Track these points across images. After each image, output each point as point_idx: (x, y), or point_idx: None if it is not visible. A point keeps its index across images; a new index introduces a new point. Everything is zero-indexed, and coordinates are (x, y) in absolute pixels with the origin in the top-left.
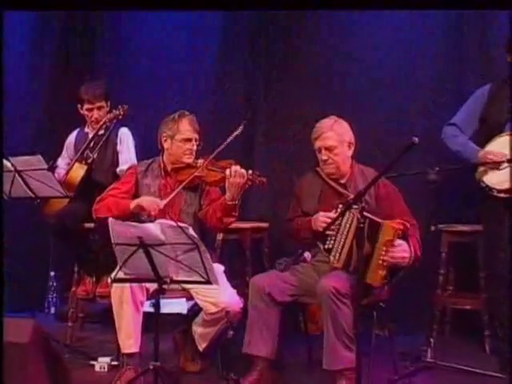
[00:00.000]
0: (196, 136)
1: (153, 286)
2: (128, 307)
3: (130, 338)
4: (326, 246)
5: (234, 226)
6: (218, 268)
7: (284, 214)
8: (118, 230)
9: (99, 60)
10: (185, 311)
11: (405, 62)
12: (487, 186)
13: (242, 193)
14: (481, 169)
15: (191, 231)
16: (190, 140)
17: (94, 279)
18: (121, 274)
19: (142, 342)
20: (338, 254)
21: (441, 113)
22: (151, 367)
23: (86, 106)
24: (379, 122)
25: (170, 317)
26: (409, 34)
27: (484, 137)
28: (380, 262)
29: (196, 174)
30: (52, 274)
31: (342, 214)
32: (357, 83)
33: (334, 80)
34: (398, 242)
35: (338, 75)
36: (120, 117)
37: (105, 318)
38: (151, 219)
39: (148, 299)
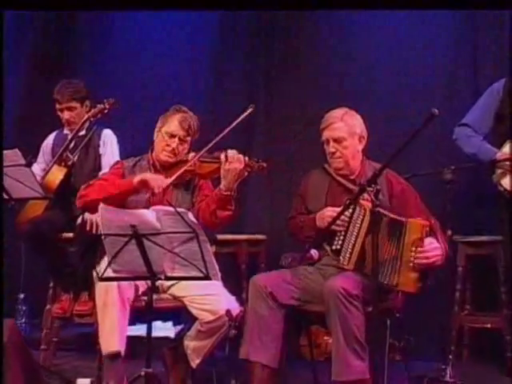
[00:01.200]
0: (183, 134)
1: (143, 286)
2: (114, 301)
3: (113, 334)
4: (334, 247)
5: (228, 237)
6: None
7: (283, 224)
8: (110, 218)
9: (90, 60)
10: (172, 335)
11: (404, 62)
12: (505, 189)
13: (239, 181)
14: (499, 171)
15: (191, 216)
16: (173, 136)
17: (72, 296)
18: (109, 272)
19: (128, 368)
20: (348, 255)
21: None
22: (142, 374)
23: (56, 106)
24: (378, 122)
25: (157, 340)
26: (408, 33)
27: (500, 136)
28: (411, 264)
29: (186, 167)
30: (21, 296)
31: (348, 207)
32: (356, 83)
33: (333, 80)
34: (428, 239)
35: (336, 75)
36: (105, 111)
37: (81, 344)
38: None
39: (138, 296)
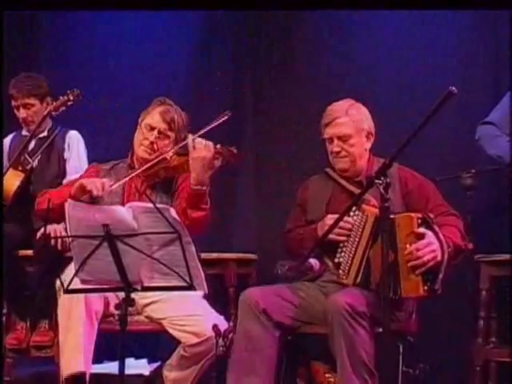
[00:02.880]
0: (163, 128)
1: (113, 300)
2: (79, 315)
3: (77, 354)
4: (336, 260)
5: (213, 256)
6: (199, 293)
7: (276, 241)
8: (78, 217)
9: (73, 58)
10: (147, 372)
11: (406, 62)
12: None
13: (210, 174)
14: None
15: (173, 213)
16: (153, 128)
17: (29, 324)
18: (76, 282)
19: None
20: (347, 267)
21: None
22: None
23: (12, 103)
24: (379, 123)
25: (130, 378)
26: (410, 33)
27: None
28: (409, 263)
29: (162, 165)
30: None
31: (350, 210)
32: (357, 83)
33: (333, 80)
34: (421, 230)
35: (336, 75)
36: (69, 103)
37: None
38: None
39: (108, 314)
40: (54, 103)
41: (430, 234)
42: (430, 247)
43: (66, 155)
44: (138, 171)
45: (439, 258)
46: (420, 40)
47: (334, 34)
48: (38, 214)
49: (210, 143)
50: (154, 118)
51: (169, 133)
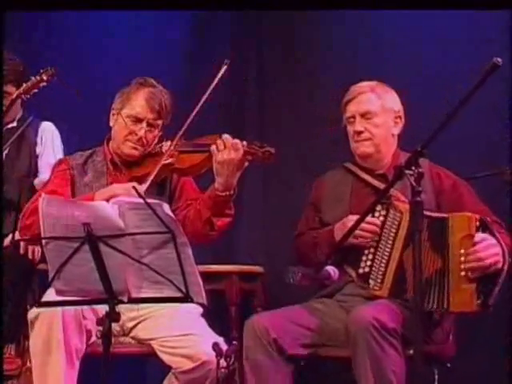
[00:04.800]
0: (152, 117)
1: (94, 326)
2: (57, 356)
3: None
4: (361, 271)
5: (212, 269)
6: (196, 309)
7: (286, 252)
8: (54, 215)
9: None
10: None
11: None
12: None
13: (238, 176)
14: None
15: (166, 209)
16: (140, 120)
17: None
18: (51, 293)
19: None
20: (380, 276)
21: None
22: None
23: None
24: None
25: None
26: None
27: None
28: (462, 273)
29: (163, 161)
30: None
31: (374, 208)
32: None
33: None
34: (480, 235)
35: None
36: (42, 84)
37: None
38: None
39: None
40: (24, 85)
41: (489, 238)
42: (492, 249)
43: (38, 150)
44: (149, 182)
45: (500, 265)
46: (429, 38)
47: (345, 33)
48: (23, 239)
49: (238, 141)
50: (138, 107)
51: (158, 122)
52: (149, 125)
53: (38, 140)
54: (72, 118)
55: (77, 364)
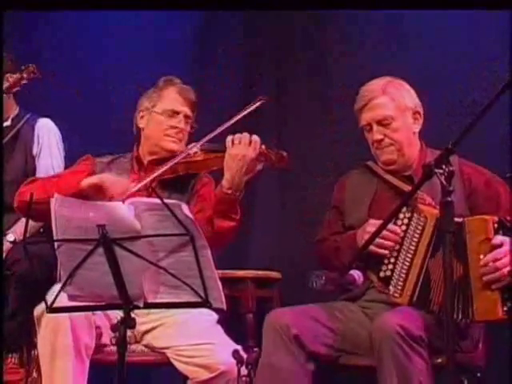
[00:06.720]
0: (187, 110)
1: (107, 331)
2: (66, 349)
3: None
4: (382, 274)
5: (227, 274)
6: (212, 316)
7: (305, 257)
8: (67, 216)
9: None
10: None
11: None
12: None
13: (248, 178)
14: None
15: (185, 210)
16: (176, 113)
17: None
18: (63, 298)
19: None
20: (400, 283)
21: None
22: None
23: None
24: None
25: None
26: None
27: None
28: (484, 279)
29: (181, 159)
30: None
31: (398, 212)
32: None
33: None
34: (498, 238)
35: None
36: (23, 82)
37: None
38: None
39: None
40: (4, 83)
41: (508, 241)
42: (511, 256)
43: (34, 150)
44: (169, 165)
45: None
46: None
47: (363, 35)
48: (18, 206)
49: (257, 139)
50: (173, 100)
51: (193, 115)
52: (186, 117)
53: (35, 139)
54: (72, 117)
55: (87, 361)
